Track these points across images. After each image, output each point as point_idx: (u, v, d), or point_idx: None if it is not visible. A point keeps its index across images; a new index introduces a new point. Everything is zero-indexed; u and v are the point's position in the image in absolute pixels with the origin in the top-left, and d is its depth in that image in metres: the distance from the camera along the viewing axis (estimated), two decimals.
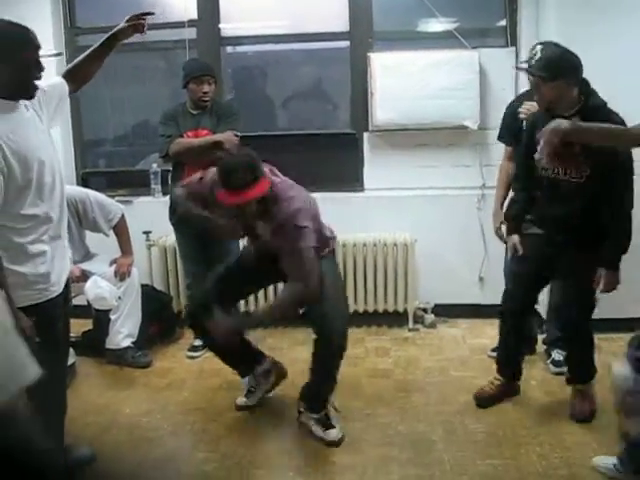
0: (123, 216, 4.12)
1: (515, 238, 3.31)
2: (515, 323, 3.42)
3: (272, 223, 2.99)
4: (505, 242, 3.67)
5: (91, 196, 4.04)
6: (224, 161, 2.94)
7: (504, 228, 3.66)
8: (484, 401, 3.44)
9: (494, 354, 3.82)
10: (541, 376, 3.65)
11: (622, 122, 2.88)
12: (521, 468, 2.84)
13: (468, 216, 4.51)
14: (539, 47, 2.98)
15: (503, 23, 4.65)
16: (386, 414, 3.37)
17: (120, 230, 4.11)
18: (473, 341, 4.32)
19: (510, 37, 4.55)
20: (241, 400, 3.53)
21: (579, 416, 3.24)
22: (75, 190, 4.13)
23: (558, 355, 3.80)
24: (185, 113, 4.09)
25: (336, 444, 3.10)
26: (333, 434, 3.13)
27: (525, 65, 3.04)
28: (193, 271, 4.28)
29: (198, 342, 4.24)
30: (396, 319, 4.62)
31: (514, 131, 3.70)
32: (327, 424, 3.16)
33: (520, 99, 3.77)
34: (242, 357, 3.47)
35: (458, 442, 3.08)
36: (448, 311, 4.69)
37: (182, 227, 4.18)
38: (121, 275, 3.99)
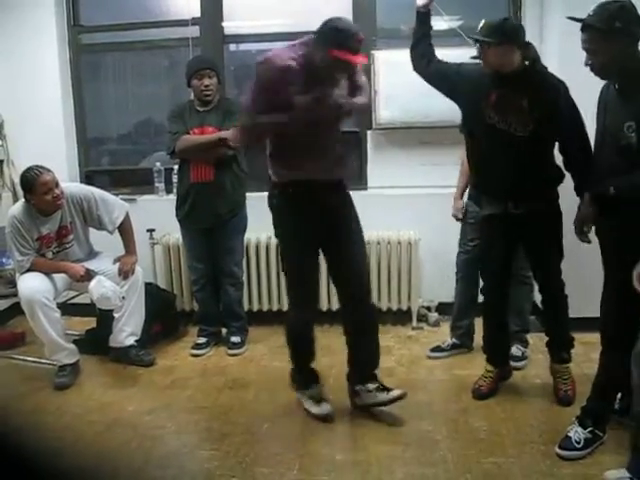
0: (127, 214, 4.13)
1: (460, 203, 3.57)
2: (498, 307, 3.51)
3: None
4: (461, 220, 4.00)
5: (96, 194, 4.05)
6: (339, 25, 2.89)
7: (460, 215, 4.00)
8: (483, 396, 3.49)
9: (435, 354, 4.11)
10: (546, 374, 3.63)
11: (561, 82, 3.10)
12: (525, 467, 2.83)
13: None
14: (483, 20, 3.16)
15: None
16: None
17: (124, 228, 4.11)
18: (477, 339, 4.30)
19: None
20: (324, 408, 3.33)
21: (564, 400, 3.38)
22: (80, 188, 4.13)
23: (517, 350, 3.91)
24: (192, 110, 4.08)
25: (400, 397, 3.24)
26: (396, 392, 3.26)
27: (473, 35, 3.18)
28: (198, 267, 4.28)
29: (202, 340, 4.26)
30: (400, 317, 4.62)
31: None
32: (387, 388, 3.30)
33: None
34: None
35: (462, 440, 3.08)
36: (452, 310, 4.67)
37: (188, 223, 4.19)
38: (125, 273, 3.99)
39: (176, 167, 4.36)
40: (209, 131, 4.01)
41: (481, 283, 3.72)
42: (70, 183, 4.22)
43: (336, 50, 2.82)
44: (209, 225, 4.10)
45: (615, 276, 2.77)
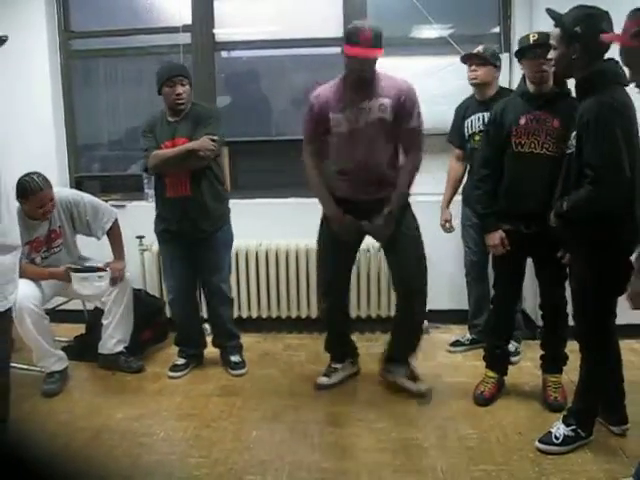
0: (117, 220, 4.11)
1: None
2: (507, 316, 3.56)
3: (382, 96, 3.34)
4: (448, 232, 4.24)
5: (86, 199, 4.03)
6: (355, 24, 3.30)
7: (448, 225, 4.23)
8: (486, 401, 3.52)
9: (454, 349, 4.31)
10: (534, 382, 3.65)
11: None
12: (514, 474, 2.84)
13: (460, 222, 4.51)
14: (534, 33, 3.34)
15: (497, 30, 4.68)
16: (379, 420, 3.37)
17: (113, 234, 4.09)
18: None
19: (504, 43, 4.57)
20: (322, 380, 3.78)
21: (554, 405, 3.41)
22: (70, 192, 4.12)
23: (511, 346, 3.95)
24: (163, 122, 3.88)
25: (424, 394, 3.58)
26: (423, 386, 3.61)
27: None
28: (175, 287, 4.06)
29: (181, 361, 4.11)
30: (388, 325, 4.59)
31: (463, 133, 4.05)
32: (416, 378, 3.64)
33: (468, 101, 4.09)
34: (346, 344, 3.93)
35: (451, 448, 3.08)
36: (440, 317, 4.68)
37: (167, 239, 4.00)
38: (113, 280, 3.97)
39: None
40: (181, 142, 3.77)
41: (490, 280, 3.86)
42: (61, 188, 4.21)
43: (345, 46, 3.23)
44: (191, 239, 3.90)
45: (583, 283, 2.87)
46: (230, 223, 4.02)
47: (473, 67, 3.92)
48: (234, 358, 4.08)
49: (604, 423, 3.14)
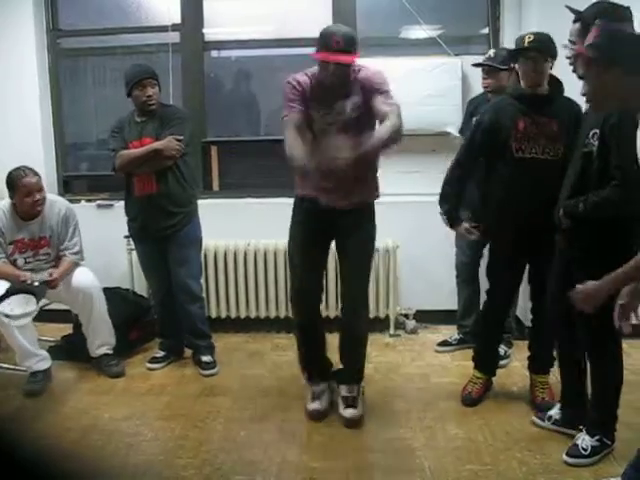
0: (80, 260, 4.07)
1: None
2: (499, 319, 3.54)
3: (354, 94, 3.16)
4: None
5: (77, 224, 4.07)
6: (328, 27, 3.12)
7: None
8: (474, 401, 3.51)
9: (441, 349, 4.30)
10: (522, 382, 3.67)
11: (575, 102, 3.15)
12: (501, 474, 2.84)
13: None
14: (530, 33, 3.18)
15: (486, 31, 4.69)
16: (367, 420, 3.36)
17: (68, 264, 3.97)
18: None
19: (492, 44, 4.58)
20: (315, 406, 3.44)
21: (542, 406, 3.37)
22: (72, 211, 4.09)
23: (500, 349, 3.95)
24: (131, 122, 3.93)
25: (350, 423, 3.29)
26: (349, 412, 3.32)
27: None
28: (153, 282, 4.22)
29: (160, 353, 4.18)
30: (377, 325, 4.62)
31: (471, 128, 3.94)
32: (349, 403, 3.35)
33: (480, 99, 4.04)
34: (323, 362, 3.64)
35: (439, 448, 3.08)
36: (429, 317, 4.70)
37: (139, 237, 4.08)
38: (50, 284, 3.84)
39: None
40: (147, 142, 3.83)
41: (480, 281, 3.90)
42: (63, 199, 4.19)
43: (316, 53, 3.05)
44: (160, 237, 3.95)
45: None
46: (197, 221, 4.04)
47: (484, 75, 3.87)
48: (205, 358, 4.08)
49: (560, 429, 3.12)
